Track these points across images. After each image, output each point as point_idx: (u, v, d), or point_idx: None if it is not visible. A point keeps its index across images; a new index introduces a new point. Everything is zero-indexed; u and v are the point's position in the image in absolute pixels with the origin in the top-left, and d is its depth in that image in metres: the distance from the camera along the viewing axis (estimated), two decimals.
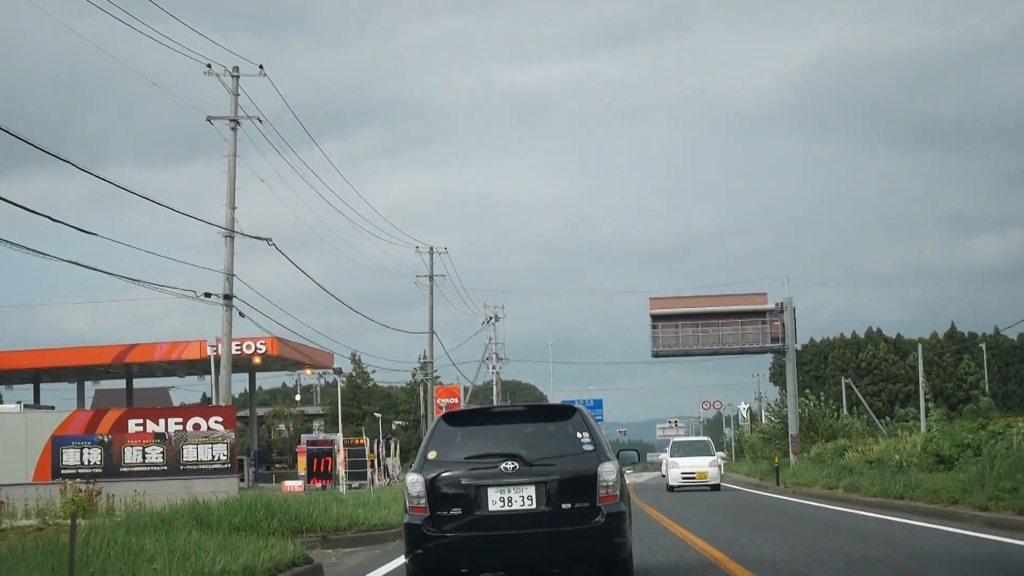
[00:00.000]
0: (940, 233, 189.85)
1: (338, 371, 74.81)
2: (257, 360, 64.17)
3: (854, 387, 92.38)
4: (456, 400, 79.13)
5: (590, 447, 11.77)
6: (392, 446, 64.46)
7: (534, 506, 11.42)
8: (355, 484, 49.55)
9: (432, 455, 11.80)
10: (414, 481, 11.64)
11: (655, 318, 56.93)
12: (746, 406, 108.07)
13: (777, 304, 57.22)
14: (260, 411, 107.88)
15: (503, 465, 11.54)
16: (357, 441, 53.96)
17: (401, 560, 12.91)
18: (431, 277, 71.59)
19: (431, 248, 71.84)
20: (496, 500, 11.45)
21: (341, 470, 49.14)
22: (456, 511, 11.47)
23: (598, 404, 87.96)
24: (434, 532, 11.47)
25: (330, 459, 50.39)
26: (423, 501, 11.56)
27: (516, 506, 11.43)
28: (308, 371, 69.84)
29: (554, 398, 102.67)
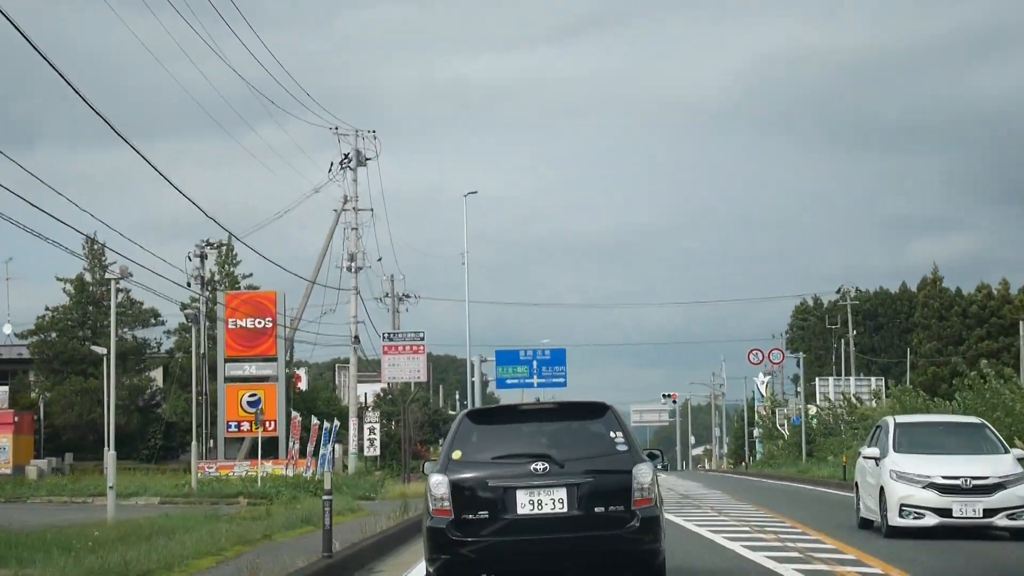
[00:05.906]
0: (882, 234, 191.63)
1: None
2: None
3: None
4: (270, 323, 46.20)
5: (624, 447, 11.32)
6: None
7: (565, 509, 10.97)
8: None
9: (457, 455, 11.32)
10: (438, 482, 11.17)
11: None
12: (764, 380, 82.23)
13: None
14: None
15: (533, 466, 11.07)
16: None
17: None
18: None
19: None
20: (525, 503, 10.99)
21: None
22: (483, 514, 11.01)
23: (558, 357, 58.20)
24: (459, 537, 11.02)
25: None
26: (447, 504, 11.08)
27: (546, 509, 10.97)
28: None
29: (471, 345, 66.19)
